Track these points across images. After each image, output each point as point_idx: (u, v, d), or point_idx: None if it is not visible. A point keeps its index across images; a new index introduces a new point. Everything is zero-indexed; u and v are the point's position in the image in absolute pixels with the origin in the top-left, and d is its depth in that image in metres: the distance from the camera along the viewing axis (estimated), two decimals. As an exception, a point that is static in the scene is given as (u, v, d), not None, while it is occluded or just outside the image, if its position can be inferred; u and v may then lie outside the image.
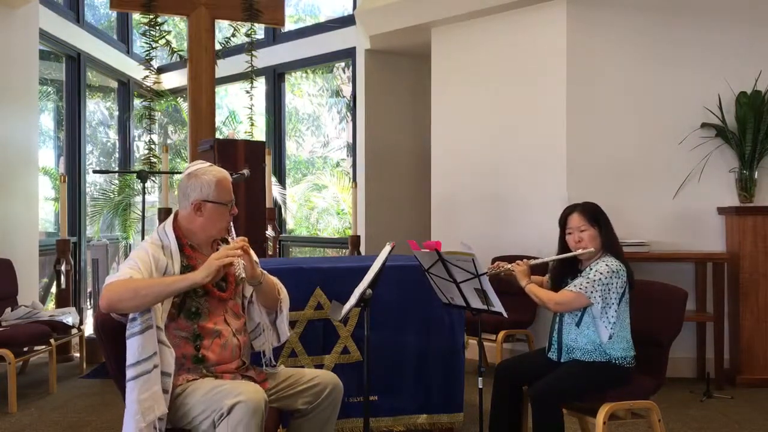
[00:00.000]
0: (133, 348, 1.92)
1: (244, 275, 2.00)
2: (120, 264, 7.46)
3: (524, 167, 4.83)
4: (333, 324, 2.99)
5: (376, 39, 5.78)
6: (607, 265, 2.57)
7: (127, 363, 1.93)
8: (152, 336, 1.94)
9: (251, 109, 5.68)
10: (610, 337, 2.54)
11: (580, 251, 2.65)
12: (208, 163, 2.21)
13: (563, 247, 2.75)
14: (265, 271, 2.20)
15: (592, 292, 2.53)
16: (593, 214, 2.68)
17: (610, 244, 2.66)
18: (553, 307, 2.63)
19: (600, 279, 2.53)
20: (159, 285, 1.92)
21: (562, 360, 2.65)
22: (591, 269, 2.60)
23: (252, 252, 2.11)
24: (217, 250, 2.17)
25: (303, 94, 8.28)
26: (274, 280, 2.26)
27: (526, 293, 2.69)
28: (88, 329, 5.04)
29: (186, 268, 2.08)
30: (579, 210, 2.70)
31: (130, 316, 1.94)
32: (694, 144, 4.51)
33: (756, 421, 3.58)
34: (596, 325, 2.57)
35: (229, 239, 2.17)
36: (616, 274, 2.55)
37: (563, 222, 2.75)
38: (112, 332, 2.08)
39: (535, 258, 2.80)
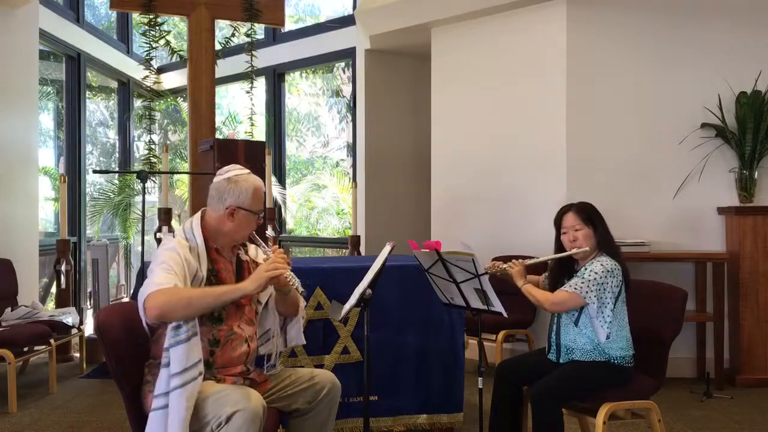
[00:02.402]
0: (179, 356, 1.91)
1: (301, 289, 2.07)
2: (120, 267, 7.49)
3: (524, 167, 4.83)
4: (333, 324, 2.99)
5: (376, 39, 5.78)
6: (601, 264, 2.57)
7: (172, 371, 1.90)
8: (197, 344, 1.94)
9: (251, 109, 5.68)
10: (608, 337, 2.54)
11: (574, 251, 2.65)
12: (247, 170, 2.22)
13: (559, 247, 2.76)
14: None
15: (587, 292, 2.53)
16: (587, 214, 2.69)
17: (605, 244, 2.66)
18: (549, 307, 2.63)
19: (595, 279, 2.54)
20: (211, 296, 1.95)
21: (561, 361, 2.65)
22: (586, 269, 2.60)
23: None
24: (237, 254, 2.22)
25: (302, 93, 8.28)
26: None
27: (522, 293, 2.70)
28: (88, 329, 5.04)
29: (211, 272, 2.11)
30: (573, 210, 2.71)
31: (174, 324, 1.93)
32: (694, 144, 4.51)
33: (756, 421, 3.58)
34: (593, 325, 2.57)
35: (262, 246, 2.23)
36: (611, 273, 2.55)
37: (558, 222, 2.76)
38: (112, 332, 2.08)
39: (530, 258, 2.81)
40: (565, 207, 2.76)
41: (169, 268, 1.96)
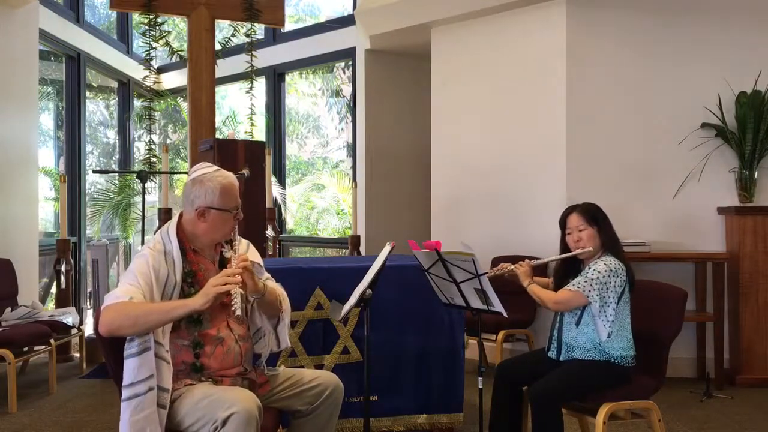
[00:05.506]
0: (129, 369, 1.93)
1: (239, 313, 1.93)
2: (120, 267, 7.49)
3: (524, 167, 4.83)
4: (333, 324, 2.99)
5: (376, 39, 5.78)
6: (605, 264, 2.58)
7: (123, 383, 1.93)
8: (149, 358, 1.92)
9: (251, 109, 5.68)
10: (609, 336, 2.55)
11: (578, 251, 2.67)
12: (214, 168, 2.15)
13: (564, 247, 2.78)
14: (269, 279, 2.19)
15: (590, 291, 2.54)
16: (592, 214, 2.70)
17: (610, 244, 2.67)
18: (552, 306, 2.65)
19: (598, 278, 2.54)
20: (157, 313, 1.91)
21: (561, 359, 2.66)
22: (590, 268, 2.61)
23: (257, 260, 2.11)
24: (221, 252, 2.17)
25: (301, 93, 8.28)
26: (277, 290, 2.21)
27: (527, 293, 2.72)
28: (88, 329, 5.04)
29: (188, 275, 2.07)
30: (578, 210, 2.73)
31: (128, 337, 1.94)
32: (694, 144, 4.51)
33: (756, 421, 3.58)
34: (595, 324, 2.58)
35: (234, 244, 2.14)
36: (615, 273, 2.56)
37: (563, 223, 2.77)
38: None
39: (537, 258, 2.82)
40: (569, 207, 2.78)
41: (133, 279, 1.96)
